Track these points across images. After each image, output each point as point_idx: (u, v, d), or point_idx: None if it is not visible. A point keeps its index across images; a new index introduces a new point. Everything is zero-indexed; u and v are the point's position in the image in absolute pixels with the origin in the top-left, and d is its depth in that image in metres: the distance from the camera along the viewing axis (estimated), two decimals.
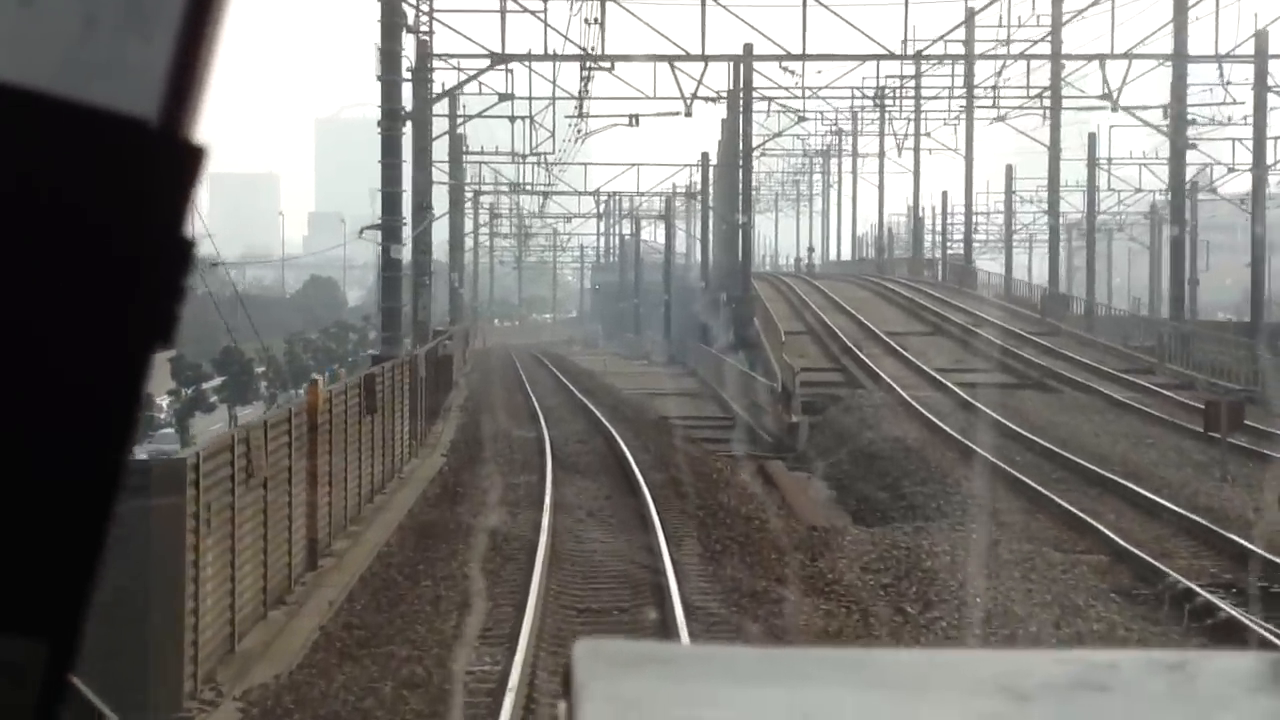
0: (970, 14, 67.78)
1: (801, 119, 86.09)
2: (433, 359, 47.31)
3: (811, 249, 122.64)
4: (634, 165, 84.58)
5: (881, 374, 50.00)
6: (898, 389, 45.94)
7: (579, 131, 71.17)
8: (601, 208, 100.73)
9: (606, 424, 40.95)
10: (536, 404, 49.21)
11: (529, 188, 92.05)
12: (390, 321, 40.92)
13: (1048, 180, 71.47)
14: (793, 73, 57.79)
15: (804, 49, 57.57)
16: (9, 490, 1.18)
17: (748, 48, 65.56)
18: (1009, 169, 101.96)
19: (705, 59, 57.47)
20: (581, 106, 62.95)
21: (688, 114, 58.15)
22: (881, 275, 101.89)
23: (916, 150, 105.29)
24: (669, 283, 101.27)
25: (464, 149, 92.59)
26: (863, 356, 53.70)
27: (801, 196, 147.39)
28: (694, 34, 56.60)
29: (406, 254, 44.16)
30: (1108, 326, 71.65)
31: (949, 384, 47.31)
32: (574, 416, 45.73)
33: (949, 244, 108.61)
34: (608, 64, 55.97)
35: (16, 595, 1.18)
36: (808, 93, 69.04)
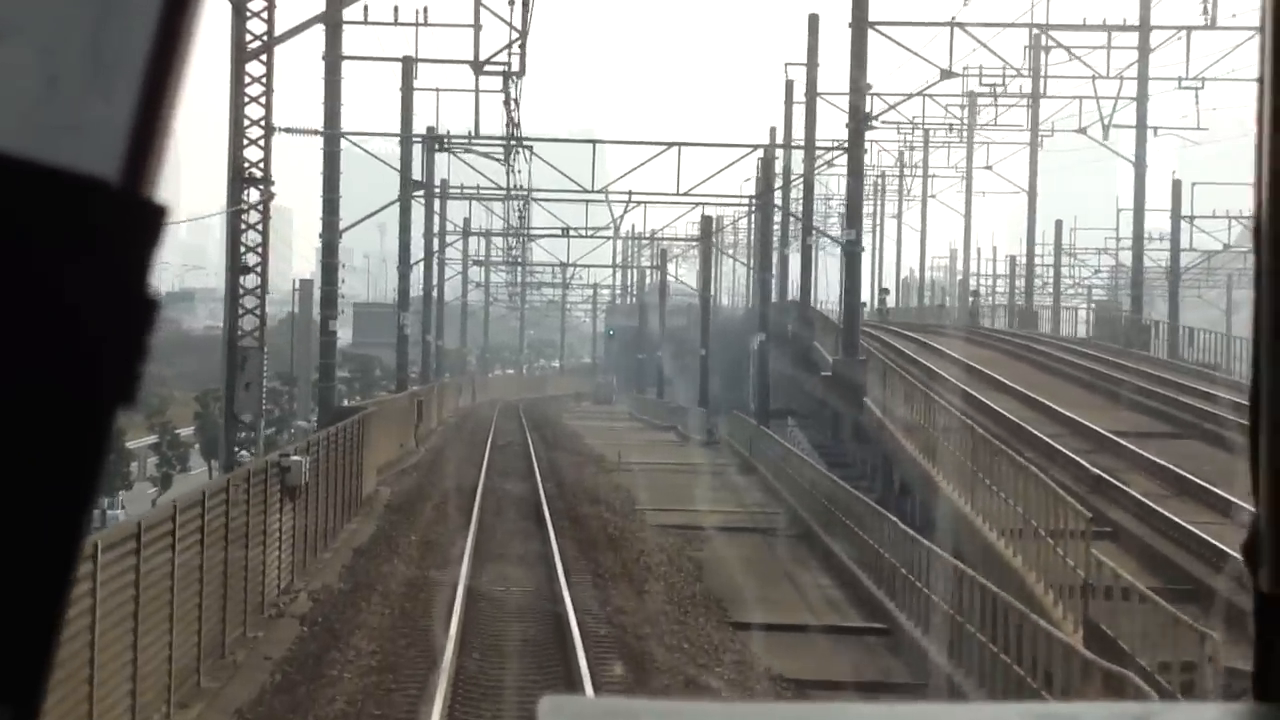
0: None
1: (912, 97, 59.40)
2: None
3: (886, 290, 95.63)
4: (672, 145, 55.26)
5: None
6: None
7: None
8: (618, 219, 72.95)
9: None
10: (459, 607, 22.21)
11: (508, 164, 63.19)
12: None
13: None
14: None
15: None
16: None
17: None
18: (1176, 185, 75.26)
19: None
20: None
21: None
22: (976, 326, 76.83)
23: (1034, 147, 79.11)
24: (707, 332, 74.55)
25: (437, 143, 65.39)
26: (1162, 512, 25.42)
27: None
28: None
29: None
30: None
31: None
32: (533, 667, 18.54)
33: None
34: None
35: None
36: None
